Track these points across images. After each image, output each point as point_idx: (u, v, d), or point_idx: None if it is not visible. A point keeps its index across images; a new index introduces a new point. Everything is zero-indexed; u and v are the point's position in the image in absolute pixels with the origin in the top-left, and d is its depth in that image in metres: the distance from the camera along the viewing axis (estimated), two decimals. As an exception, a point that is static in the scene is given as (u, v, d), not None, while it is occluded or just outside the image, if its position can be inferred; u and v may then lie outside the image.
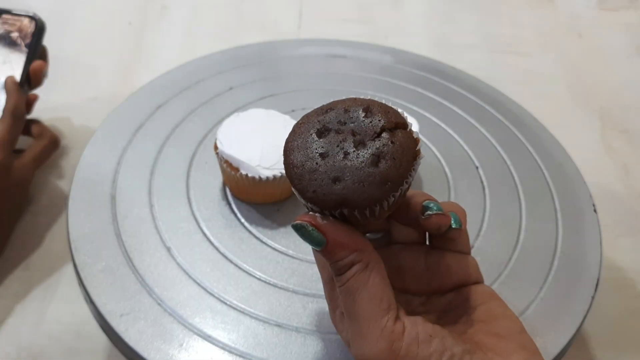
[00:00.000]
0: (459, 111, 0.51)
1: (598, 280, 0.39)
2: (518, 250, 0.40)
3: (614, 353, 0.46)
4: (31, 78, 0.52)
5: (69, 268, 0.48)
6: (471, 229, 0.41)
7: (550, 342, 0.35)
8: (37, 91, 0.53)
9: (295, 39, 0.63)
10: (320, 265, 0.30)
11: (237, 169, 0.39)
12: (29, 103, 0.53)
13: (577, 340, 0.36)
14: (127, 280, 0.36)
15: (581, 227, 0.42)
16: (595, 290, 0.38)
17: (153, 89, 0.50)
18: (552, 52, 0.75)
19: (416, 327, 0.25)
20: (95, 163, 0.44)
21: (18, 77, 0.50)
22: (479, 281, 0.31)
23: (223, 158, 0.40)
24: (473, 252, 0.38)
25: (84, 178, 0.43)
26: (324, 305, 0.35)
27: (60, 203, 0.52)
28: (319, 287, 0.36)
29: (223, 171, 0.41)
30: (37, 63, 0.52)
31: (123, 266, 0.37)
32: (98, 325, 0.36)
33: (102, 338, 0.37)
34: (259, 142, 0.40)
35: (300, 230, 0.26)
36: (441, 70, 0.56)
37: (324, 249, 0.26)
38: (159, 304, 0.35)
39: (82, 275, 0.36)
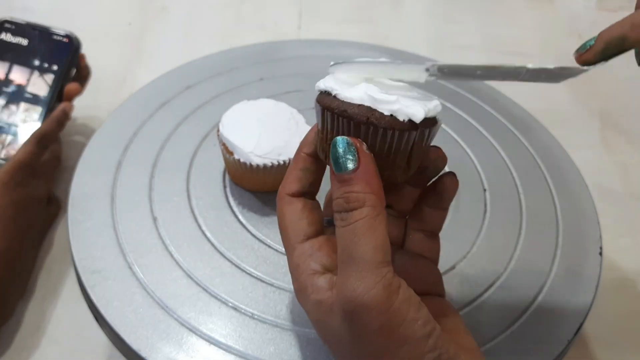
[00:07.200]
0: (459, 112, 0.51)
1: (598, 281, 0.39)
2: (519, 249, 0.40)
3: (614, 353, 0.46)
4: (64, 96, 0.52)
5: (70, 269, 0.48)
6: (460, 248, 0.40)
7: (551, 342, 0.35)
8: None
9: (296, 40, 0.63)
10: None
11: (232, 153, 0.39)
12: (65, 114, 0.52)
13: (577, 340, 0.36)
14: (108, 241, 0.38)
15: (581, 269, 0.40)
16: (595, 291, 0.38)
17: (183, 71, 0.52)
18: (552, 53, 0.75)
19: (409, 290, 0.25)
20: (113, 132, 0.45)
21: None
22: (441, 294, 0.31)
23: (222, 140, 0.40)
24: (454, 272, 0.38)
25: (99, 143, 0.44)
26: (284, 297, 0.36)
27: (62, 208, 0.52)
28: (285, 279, 0.37)
29: (221, 153, 0.42)
30: (73, 86, 0.52)
31: (107, 227, 0.38)
32: (96, 321, 0.36)
33: (102, 339, 0.37)
34: (258, 129, 0.40)
35: (342, 144, 0.25)
36: (441, 71, 0.56)
37: (348, 175, 0.25)
38: (129, 268, 0.36)
39: (70, 230, 0.38)
